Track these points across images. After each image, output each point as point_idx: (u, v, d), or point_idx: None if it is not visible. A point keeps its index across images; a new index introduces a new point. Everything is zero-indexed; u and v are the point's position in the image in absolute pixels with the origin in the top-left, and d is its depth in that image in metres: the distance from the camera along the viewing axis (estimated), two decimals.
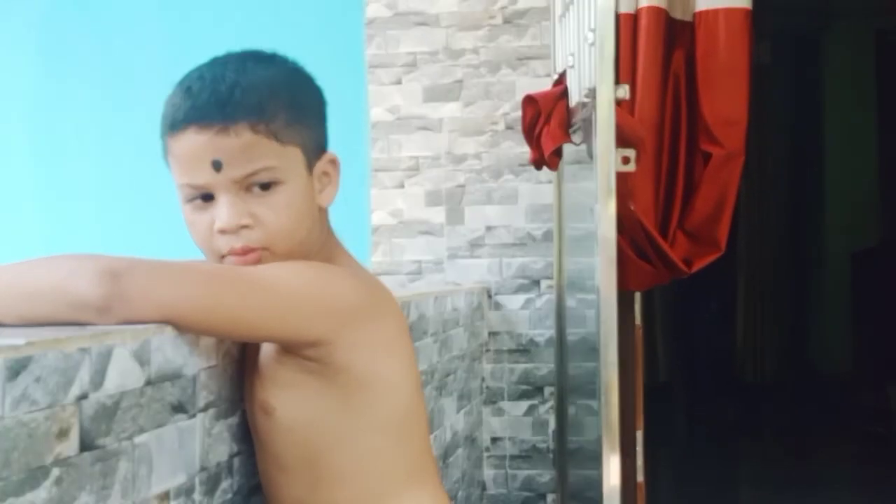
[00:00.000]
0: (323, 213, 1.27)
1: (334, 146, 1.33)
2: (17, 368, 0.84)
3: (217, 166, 1.16)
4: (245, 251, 1.18)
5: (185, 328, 1.09)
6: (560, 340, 3.16)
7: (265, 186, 1.18)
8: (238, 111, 1.16)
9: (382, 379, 1.20)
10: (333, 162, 1.27)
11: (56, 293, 1.02)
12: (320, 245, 1.26)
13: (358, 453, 1.21)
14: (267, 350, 1.21)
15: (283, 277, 1.14)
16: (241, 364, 1.27)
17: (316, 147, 1.24)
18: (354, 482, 1.21)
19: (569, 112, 2.49)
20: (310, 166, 1.23)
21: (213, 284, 1.09)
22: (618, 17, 2.32)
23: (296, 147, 1.20)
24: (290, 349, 1.18)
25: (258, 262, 1.18)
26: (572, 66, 2.48)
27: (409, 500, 1.23)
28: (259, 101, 1.18)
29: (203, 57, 1.28)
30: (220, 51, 1.29)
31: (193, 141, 1.16)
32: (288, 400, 1.20)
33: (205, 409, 1.18)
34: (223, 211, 1.17)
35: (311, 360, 1.17)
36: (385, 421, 1.21)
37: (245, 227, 1.18)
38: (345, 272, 1.23)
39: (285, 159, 1.19)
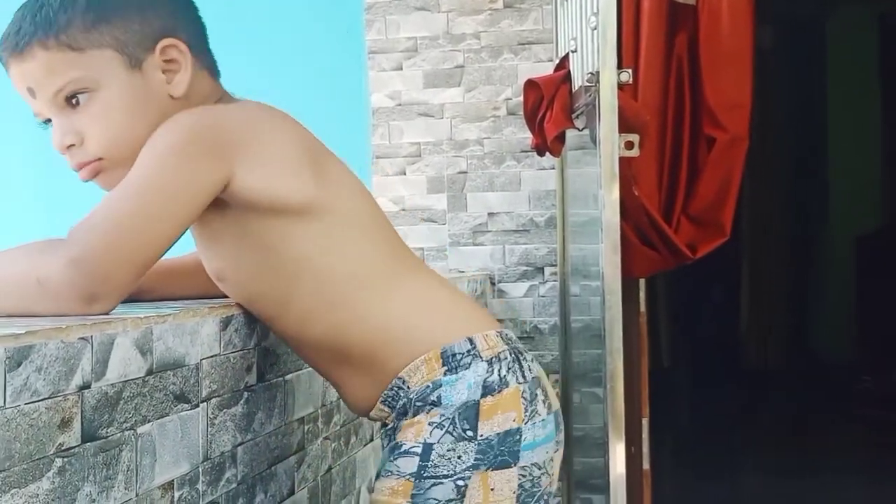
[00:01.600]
0: (184, 101, 1.20)
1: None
2: (19, 358, 0.83)
3: (31, 93, 1.17)
4: (80, 166, 1.18)
5: (160, 252, 1.10)
6: (564, 328, 3.15)
7: (75, 100, 1.16)
8: (27, 34, 1.15)
9: (295, 198, 1.17)
10: (174, 47, 1.20)
11: (34, 290, 1.03)
12: None
13: (309, 274, 1.19)
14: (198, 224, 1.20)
15: (175, 148, 1.11)
16: (243, 347, 1.26)
17: (141, 41, 1.18)
18: (314, 296, 1.20)
19: (571, 97, 2.47)
20: (133, 63, 1.17)
21: (143, 206, 1.07)
22: (620, 0, 2.30)
23: (105, 49, 1.16)
24: (210, 214, 1.16)
25: (98, 171, 1.18)
26: (574, 51, 2.46)
27: (374, 299, 1.21)
28: (46, 16, 1.15)
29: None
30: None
31: (11, 75, 1.19)
32: (228, 258, 1.22)
33: (208, 399, 1.17)
34: (53, 134, 1.18)
35: (229, 206, 1.15)
36: (318, 234, 1.19)
37: (71, 145, 1.18)
38: (221, 111, 1.20)
39: (90, 66, 1.16)
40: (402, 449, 1.18)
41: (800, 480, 4.47)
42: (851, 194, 7.30)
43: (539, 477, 1.21)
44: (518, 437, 1.18)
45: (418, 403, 1.18)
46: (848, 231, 6.89)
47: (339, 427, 1.68)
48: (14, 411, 0.82)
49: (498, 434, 1.17)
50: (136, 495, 1.02)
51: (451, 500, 1.15)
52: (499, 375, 1.19)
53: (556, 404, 1.28)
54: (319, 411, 1.57)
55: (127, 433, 1.00)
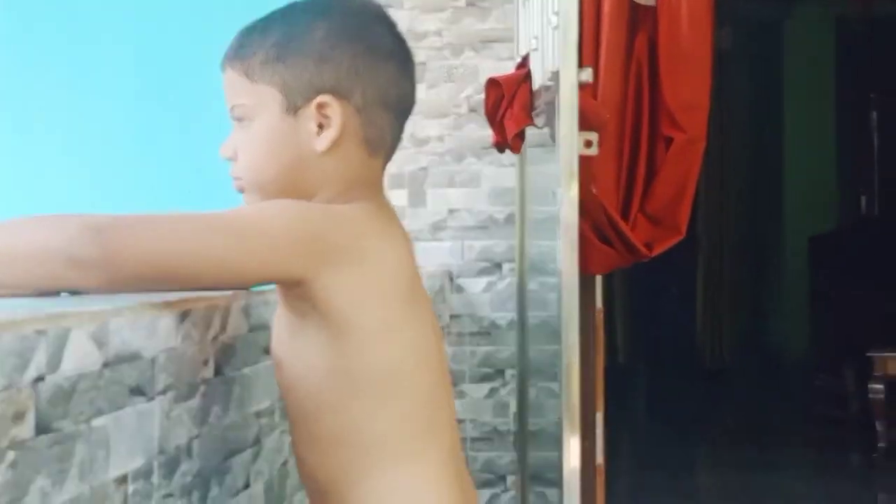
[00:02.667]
0: (329, 158, 1.22)
1: None
2: None
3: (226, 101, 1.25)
4: (232, 176, 1.25)
5: (170, 280, 1.10)
6: (521, 323, 3.17)
7: (241, 121, 1.22)
8: (229, 50, 1.24)
9: (365, 327, 1.15)
10: (327, 105, 1.20)
11: (34, 255, 1.01)
12: (319, 190, 1.23)
13: (346, 413, 1.17)
14: (279, 305, 1.23)
15: (261, 216, 1.14)
16: (201, 341, 1.25)
17: (304, 90, 1.20)
18: (340, 446, 1.18)
19: (532, 95, 2.49)
20: (290, 108, 1.20)
21: (194, 232, 1.09)
22: (581, 0, 2.32)
23: (273, 86, 1.20)
24: (284, 293, 1.18)
25: (240, 189, 1.24)
26: (536, 49, 2.47)
27: (399, 475, 1.18)
28: (244, 41, 1.22)
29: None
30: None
31: (223, 79, 1.25)
32: (289, 352, 1.20)
33: (164, 392, 1.17)
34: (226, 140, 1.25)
35: (301, 300, 1.15)
36: (372, 376, 1.17)
37: (229, 158, 1.24)
38: (334, 210, 1.20)
39: (256, 97, 1.20)
40: None
41: (754, 476, 4.53)
42: (806, 194, 7.40)
43: None
44: None
45: None
46: (802, 231, 6.99)
47: None
48: None
49: None
50: (90, 488, 1.01)
51: None
52: None
53: None
54: (276, 405, 1.58)
55: (81, 426, 1.00)
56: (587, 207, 2.35)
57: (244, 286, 1.21)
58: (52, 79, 3.69)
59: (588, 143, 2.25)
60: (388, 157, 1.33)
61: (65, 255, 1.02)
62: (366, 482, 1.17)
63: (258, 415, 1.50)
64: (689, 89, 2.46)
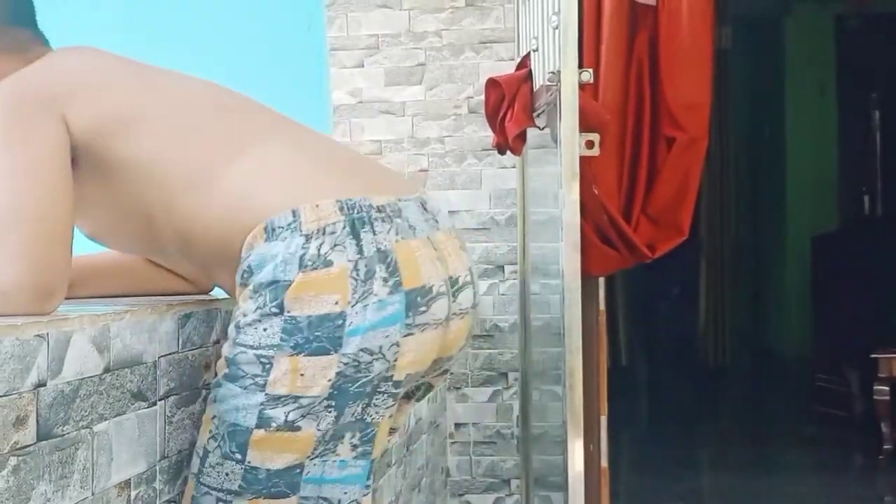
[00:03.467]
0: None
1: None
2: None
3: None
4: None
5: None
6: (524, 326, 3.16)
7: None
8: None
9: (111, 116, 1.21)
10: None
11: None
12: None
13: (137, 184, 1.22)
14: None
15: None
16: (202, 344, 1.25)
17: None
18: (155, 203, 1.22)
19: (532, 96, 2.48)
20: None
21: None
22: (581, 0, 2.31)
23: None
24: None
25: None
26: (536, 50, 2.47)
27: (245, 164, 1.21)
28: None
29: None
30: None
31: None
32: (93, 205, 1.26)
33: (165, 397, 1.16)
34: None
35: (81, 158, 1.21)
36: (136, 146, 1.21)
37: None
38: (20, 77, 1.22)
39: None
40: (233, 314, 1.18)
41: (757, 477, 4.52)
42: (808, 194, 7.39)
43: (370, 363, 1.14)
44: (341, 321, 1.11)
45: (244, 275, 1.15)
46: (804, 231, 6.98)
47: None
48: None
49: (310, 317, 1.11)
50: (92, 494, 1.01)
51: (257, 376, 1.12)
52: (318, 251, 1.11)
53: (420, 279, 1.17)
54: None
55: (83, 431, 0.99)
56: (589, 208, 2.34)
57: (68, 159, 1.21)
58: None
59: (589, 144, 2.24)
60: None
61: (28, 297, 1.07)
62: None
63: None
64: (691, 89, 2.45)
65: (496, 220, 3.28)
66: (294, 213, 1.13)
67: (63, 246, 1.12)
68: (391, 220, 1.16)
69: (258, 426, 1.13)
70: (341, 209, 1.13)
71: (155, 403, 1.13)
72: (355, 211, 1.14)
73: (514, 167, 3.20)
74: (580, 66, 2.18)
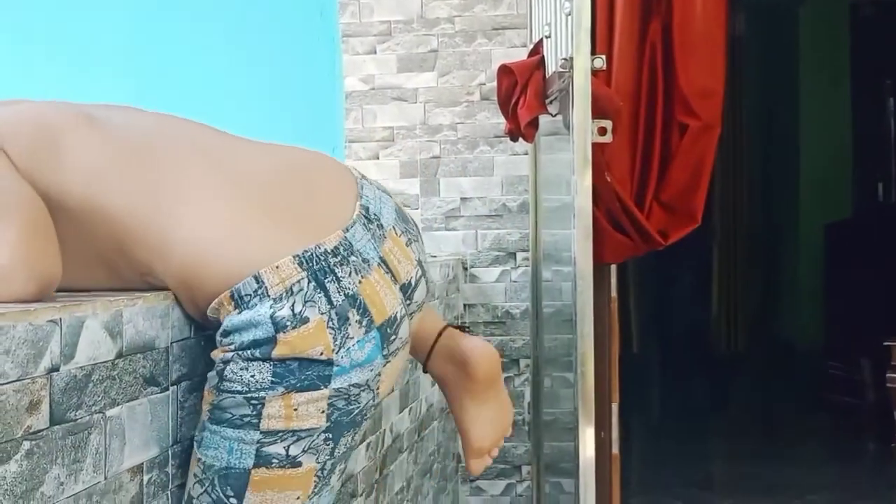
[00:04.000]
0: None
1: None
2: None
3: None
4: None
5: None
6: (536, 313, 3.16)
7: None
8: None
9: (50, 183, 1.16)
10: None
11: None
12: None
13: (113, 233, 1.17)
14: None
15: None
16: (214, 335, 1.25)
17: None
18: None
19: (545, 82, 2.47)
20: None
21: None
22: None
23: None
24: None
25: None
26: (548, 36, 2.46)
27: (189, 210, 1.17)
28: None
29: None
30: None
31: None
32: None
33: (178, 382, 1.17)
34: None
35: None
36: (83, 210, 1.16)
37: None
38: None
39: None
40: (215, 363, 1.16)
41: (768, 465, 4.51)
42: (821, 182, 7.36)
43: (358, 395, 1.15)
44: (329, 367, 1.12)
45: (220, 336, 1.14)
46: (817, 218, 6.95)
47: None
48: None
49: (300, 361, 1.11)
50: (105, 478, 1.01)
51: (247, 416, 1.11)
52: (292, 311, 1.11)
53: (386, 311, 1.17)
54: None
55: (96, 416, 0.99)
56: (601, 195, 2.34)
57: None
58: None
59: (602, 131, 2.24)
60: None
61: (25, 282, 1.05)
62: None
63: None
64: (704, 75, 2.45)
65: (508, 206, 3.28)
66: (256, 279, 1.11)
67: (53, 232, 1.11)
68: (348, 261, 1.16)
69: (257, 465, 1.12)
70: (300, 264, 1.12)
71: (167, 389, 1.14)
72: (314, 262, 1.13)
73: (526, 154, 3.19)
74: (593, 52, 2.18)
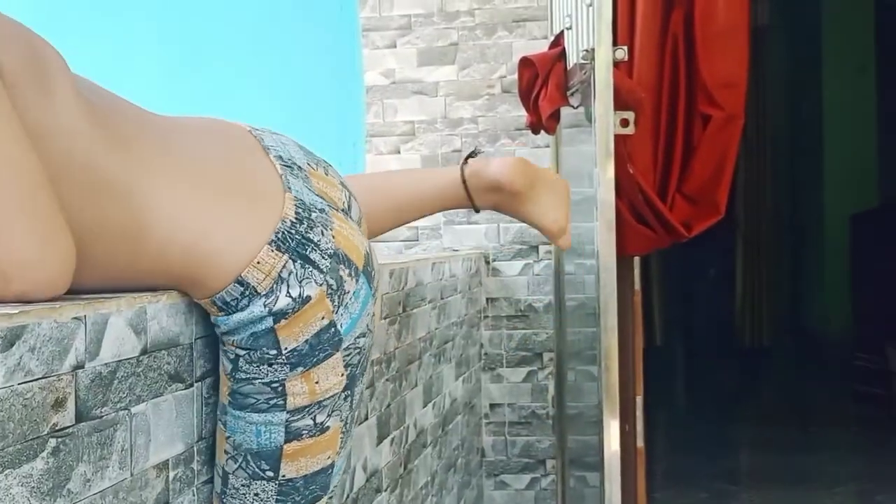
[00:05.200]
0: None
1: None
2: (11, 338, 0.82)
3: None
4: None
5: None
6: (559, 306, 3.15)
7: None
8: None
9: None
10: None
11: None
12: None
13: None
14: None
15: None
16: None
17: None
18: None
19: (566, 74, 2.46)
20: None
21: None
22: None
23: None
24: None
25: None
26: (570, 28, 2.45)
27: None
28: None
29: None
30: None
31: None
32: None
33: (202, 379, 1.17)
34: None
35: None
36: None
37: None
38: None
39: None
40: (221, 349, 1.13)
41: (795, 456, 4.49)
42: (847, 171, 7.31)
43: (364, 344, 1.16)
44: (333, 328, 1.11)
45: (217, 328, 1.12)
46: (843, 208, 6.90)
47: None
48: (7, 391, 0.82)
49: (308, 340, 1.09)
50: (131, 475, 1.01)
51: (271, 399, 1.10)
52: (290, 297, 1.08)
53: (360, 251, 1.15)
54: None
55: (121, 413, 1.00)
56: (624, 187, 2.33)
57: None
58: None
59: (624, 123, 2.23)
60: None
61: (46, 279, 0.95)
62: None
63: None
64: (727, 66, 2.42)
65: None
66: (241, 282, 1.07)
67: (57, 204, 0.97)
68: (312, 221, 1.11)
69: (288, 440, 1.12)
70: (278, 249, 1.08)
71: (192, 385, 1.14)
72: (290, 240, 1.09)
73: (547, 147, 3.18)
74: (614, 43, 2.16)
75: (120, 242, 1.05)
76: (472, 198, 1.61)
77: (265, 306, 1.08)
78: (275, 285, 1.07)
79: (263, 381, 1.10)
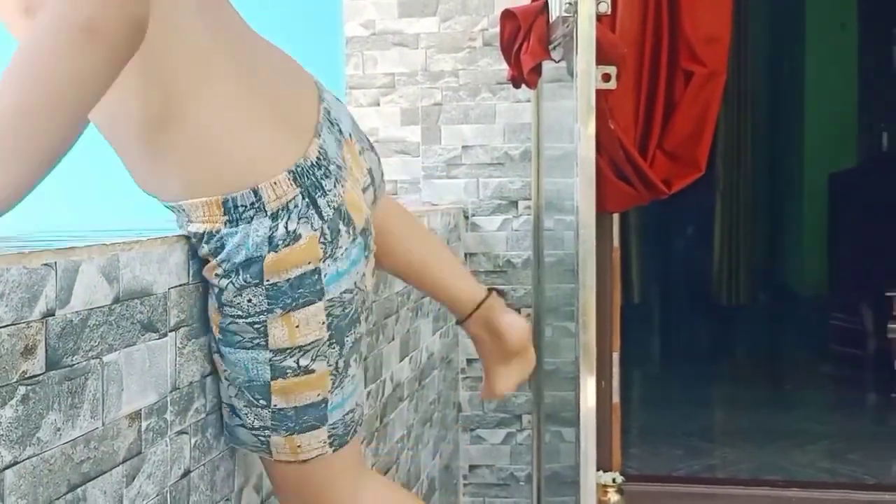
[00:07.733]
0: None
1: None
2: None
3: None
4: None
5: None
6: (537, 262, 3.15)
7: None
8: None
9: None
10: None
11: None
12: None
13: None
14: None
15: None
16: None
17: None
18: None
19: (549, 28, 2.44)
20: None
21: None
22: None
23: None
24: None
25: None
26: None
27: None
28: None
29: None
30: None
31: None
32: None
33: (176, 329, 1.16)
34: None
35: None
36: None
37: None
38: None
39: None
40: (210, 285, 1.18)
41: (769, 414, 4.53)
42: (826, 130, 7.32)
43: (351, 299, 1.20)
44: (317, 275, 1.15)
45: (204, 246, 1.15)
46: (822, 168, 6.92)
47: None
48: None
49: (289, 280, 1.13)
50: (103, 424, 1.00)
51: (255, 338, 1.16)
52: (286, 229, 1.12)
53: (363, 214, 1.21)
54: None
55: (93, 362, 0.98)
56: (605, 143, 2.32)
57: None
58: None
59: (606, 77, 2.21)
60: None
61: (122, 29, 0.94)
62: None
63: None
64: (710, 21, 2.41)
65: (510, 154, 3.25)
66: (255, 192, 1.11)
67: None
68: (329, 172, 1.17)
69: (274, 377, 1.18)
70: (295, 180, 1.13)
71: (165, 335, 1.13)
72: (306, 178, 1.14)
73: (528, 101, 3.16)
74: None
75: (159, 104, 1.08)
76: (470, 318, 1.61)
77: (269, 229, 1.12)
78: (280, 212, 1.12)
79: (246, 320, 1.15)
